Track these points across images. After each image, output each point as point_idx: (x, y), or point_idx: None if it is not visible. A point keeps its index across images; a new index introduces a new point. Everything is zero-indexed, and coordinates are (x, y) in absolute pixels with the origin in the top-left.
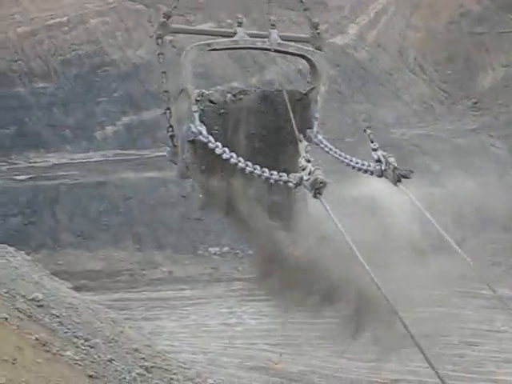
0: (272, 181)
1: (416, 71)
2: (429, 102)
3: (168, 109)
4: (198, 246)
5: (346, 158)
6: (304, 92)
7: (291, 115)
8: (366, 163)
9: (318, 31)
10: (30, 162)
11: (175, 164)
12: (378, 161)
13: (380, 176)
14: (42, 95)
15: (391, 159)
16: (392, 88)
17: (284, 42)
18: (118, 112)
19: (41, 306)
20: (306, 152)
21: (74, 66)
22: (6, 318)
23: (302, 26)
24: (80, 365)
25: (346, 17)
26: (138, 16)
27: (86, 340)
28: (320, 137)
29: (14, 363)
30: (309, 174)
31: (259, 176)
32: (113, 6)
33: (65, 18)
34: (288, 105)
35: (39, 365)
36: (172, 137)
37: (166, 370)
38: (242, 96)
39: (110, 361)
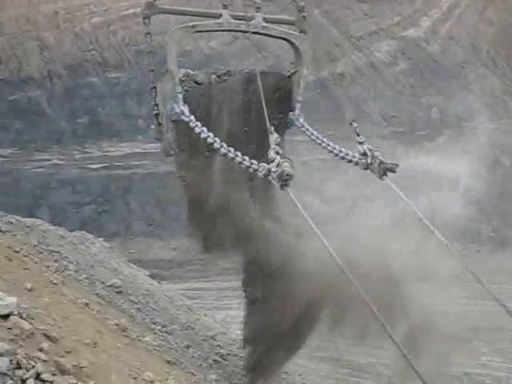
0: (243, 166)
1: (488, 65)
2: (501, 96)
3: (154, 87)
4: None
5: (328, 145)
6: (287, 75)
7: (263, 101)
8: (351, 153)
9: (303, 14)
10: (103, 152)
11: (161, 142)
12: (364, 154)
13: (365, 169)
14: (115, 85)
15: (377, 153)
16: (464, 81)
17: (268, 25)
18: None
19: (119, 292)
20: (276, 144)
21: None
22: (87, 303)
23: (374, 18)
24: (158, 350)
25: (419, 10)
26: (211, 6)
27: (164, 326)
28: (301, 120)
29: (94, 347)
30: (277, 166)
31: (232, 159)
32: None
33: (138, 9)
34: (260, 89)
35: (119, 349)
36: (157, 115)
37: (241, 357)
38: (226, 77)
39: (187, 347)
